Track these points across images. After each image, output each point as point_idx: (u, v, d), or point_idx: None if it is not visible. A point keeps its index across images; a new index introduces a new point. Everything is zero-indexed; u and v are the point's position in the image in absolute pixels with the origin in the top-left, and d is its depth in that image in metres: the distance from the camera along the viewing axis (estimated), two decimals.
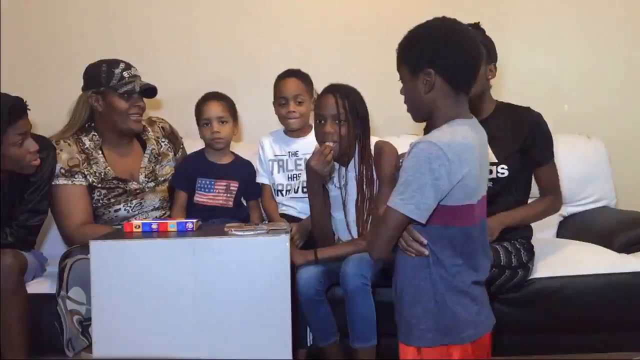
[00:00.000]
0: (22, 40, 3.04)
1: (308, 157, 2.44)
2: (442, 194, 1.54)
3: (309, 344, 2.30)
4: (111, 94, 2.39)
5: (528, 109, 2.33)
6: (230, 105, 2.58)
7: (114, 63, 2.41)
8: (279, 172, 2.63)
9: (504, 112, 2.32)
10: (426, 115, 1.70)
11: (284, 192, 2.62)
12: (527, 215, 2.29)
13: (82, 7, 3.07)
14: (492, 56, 2.30)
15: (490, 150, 2.18)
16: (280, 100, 2.61)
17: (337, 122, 2.21)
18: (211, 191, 2.54)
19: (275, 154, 2.65)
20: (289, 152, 2.64)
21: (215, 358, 1.86)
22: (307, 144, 2.56)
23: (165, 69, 3.04)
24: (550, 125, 2.68)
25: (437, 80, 1.60)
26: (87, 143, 2.44)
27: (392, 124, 2.90)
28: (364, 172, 2.26)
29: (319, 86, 2.29)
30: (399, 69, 1.70)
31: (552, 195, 2.33)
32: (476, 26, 2.23)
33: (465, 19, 2.59)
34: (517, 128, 2.27)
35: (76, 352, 2.12)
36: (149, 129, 2.61)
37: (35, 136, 2.31)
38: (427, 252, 1.58)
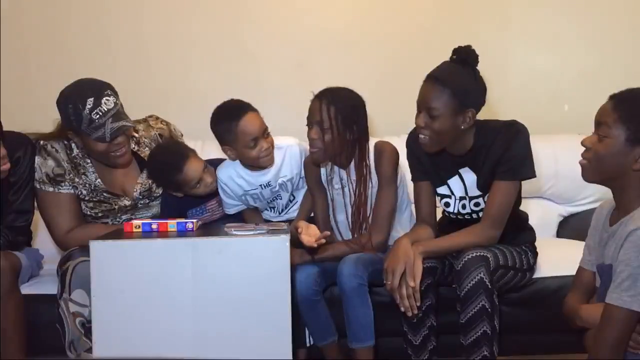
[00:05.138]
0: (22, 40, 3.04)
1: (282, 180, 2.42)
2: None
3: (308, 344, 2.30)
4: (85, 137, 2.20)
5: (509, 124, 2.10)
6: (198, 156, 2.37)
7: (81, 100, 2.13)
8: (255, 202, 2.45)
9: (486, 137, 2.10)
10: (608, 182, 1.71)
11: (268, 209, 2.53)
12: (449, 244, 2.10)
13: (82, 8, 3.06)
14: (472, 100, 2.04)
15: (475, 183, 2.15)
16: (248, 143, 2.27)
17: (320, 128, 2.19)
18: (206, 213, 2.46)
19: (245, 189, 2.40)
20: (260, 184, 2.40)
21: (215, 358, 1.86)
22: (276, 171, 2.40)
23: (165, 70, 3.04)
24: (551, 125, 2.68)
25: None
26: (75, 151, 2.33)
27: (392, 124, 2.90)
28: (361, 175, 2.26)
29: (318, 88, 2.28)
30: (607, 119, 1.67)
31: (485, 222, 2.09)
32: (466, 61, 2.04)
33: (466, 19, 2.64)
34: (497, 148, 2.08)
35: (78, 354, 2.12)
36: (145, 140, 2.43)
37: (11, 134, 2.24)
38: None
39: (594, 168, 1.72)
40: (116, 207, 2.36)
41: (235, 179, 2.40)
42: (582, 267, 1.92)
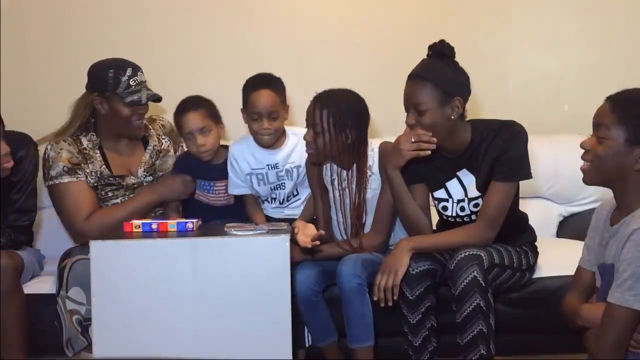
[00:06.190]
0: (22, 40, 3.04)
1: (290, 167, 2.45)
2: None
3: (307, 345, 2.30)
4: (116, 100, 2.37)
5: (508, 124, 2.11)
6: (209, 111, 2.46)
7: (121, 68, 2.38)
8: (259, 185, 2.48)
9: (482, 136, 2.12)
10: (609, 184, 1.70)
11: (269, 200, 2.54)
12: (442, 241, 2.11)
13: (82, 8, 3.06)
14: (455, 88, 2.06)
15: (474, 184, 2.16)
16: (252, 115, 2.38)
17: (314, 131, 2.21)
18: (211, 192, 2.51)
19: (252, 167, 2.46)
20: (268, 164, 2.46)
21: (215, 358, 1.86)
22: (286, 154, 2.46)
23: (165, 70, 3.04)
24: (550, 125, 2.67)
25: None
26: (85, 143, 2.43)
27: (392, 125, 2.89)
28: (358, 179, 2.26)
29: (319, 87, 2.29)
30: (606, 121, 1.66)
31: (480, 222, 2.10)
32: (442, 53, 2.09)
33: (466, 19, 2.64)
34: (495, 148, 2.09)
35: (76, 352, 2.13)
36: (150, 126, 2.59)
37: (13, 134, 2.26)
38: None
39: (595, 170, 1.71)
40: (124, 184, 2.45)
41: (245, 156, 2.45)
42: (582, 267, 1.92)
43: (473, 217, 2.19)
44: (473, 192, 2.17)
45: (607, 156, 1.67)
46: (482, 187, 2.14)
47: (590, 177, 1.75)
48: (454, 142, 2.12)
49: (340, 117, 2.20)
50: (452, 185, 2.19)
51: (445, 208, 2.23)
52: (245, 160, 2.46)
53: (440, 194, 2.22)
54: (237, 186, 2.49)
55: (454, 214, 2.22)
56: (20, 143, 2.29)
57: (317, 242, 2.15)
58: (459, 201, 2.20)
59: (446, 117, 2.06)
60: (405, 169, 2.17)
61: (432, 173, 2.21)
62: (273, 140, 2.43)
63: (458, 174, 2.17)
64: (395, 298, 2.02)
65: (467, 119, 2.16)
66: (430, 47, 2.10)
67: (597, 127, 1.71)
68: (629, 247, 1.58)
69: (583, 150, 1.76)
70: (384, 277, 2.03)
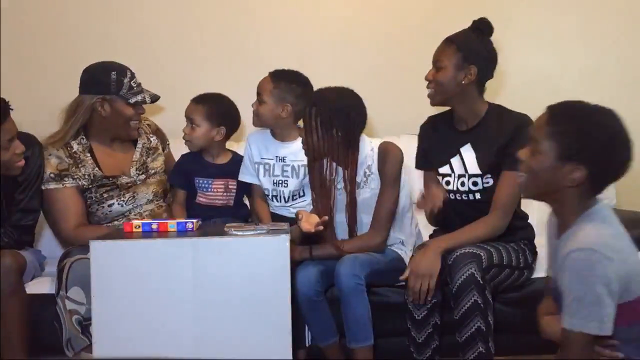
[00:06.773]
0: (22, 40, 3.04)
1: (297, 164, 2.48)
2: (617, 295, 1.49)
3: (307, 344, 2.30)
4: (119, 102, 2.41)
5: (524, 118, 2.20)
6: (209, 110, 2.50)
7: (122, 70, 2.43)
8: (264, 175, 2.53)
9: (494, 117, 2.24)
10: (541, 196, 1.67)
11: (270, 197, 2.56)
12: (467, 238, 2.13)
13: (82, 8, 3.06)
14: (475, 57, 2.21)
15: (476, 162, 2.22)
16: None
17: (305, 128, 2.24)
18: (209, 191, 2.52)
19: (262, 156, 2.54)
20: (276, 156, 2.53)
21: (215, 358, 1.87)
22: (296, 150, 2.47)
23: (165, 70, 3.04)
24: None
25: (583, 177, 1.56)
26: (75, 147, 2.43)
27: (392, 124, 2.90)
28: (347, 176, 2.27)
29: (319, 87, 2.29)
30: (538, 134, 1.61)
31: (495, 212, 2.16)
32: (478, 28, 2.27)
33: (466, 19, 2.63)
34: (502, 134, 2.19)
35: (76, 352, 2.13)
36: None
37: (20, 134, 2.28)
38: (622, 356, 1.55)
39: (529, 184, 1.65)
40: (118, 184, 2.46)
41: (258, 144, 2.54)
42: (549, 275, 1.86)
43: (470, 196, 2.23)
44: (473, 169, 2.22)
45: (538, 170, 1.61)
46: (482, 166, 2.20)
47: (526, 190, 1.69)
48: (465, 109, 2.25)
49: (326, 116, 2.20)
50: (455, 161, 2.27)
51: (448, 183, 2.29)
52: (258, 148, 2.53)
53: (445, 169, 2.29)
54: (247, 173, 2.54)
55: (455, 188, 2.26)
56: (27, 143, 2.30)
57: (321, 228, 2.17)
58: (459, 176, 2.25)
59: (458, 80, 2.19)
60: (421, 151, 2.36)
61: (439, 151, 2.30)
62: (257, 123, 2.53)
63: (461, 149, 2.25)
64: (429, 298, 2.07)
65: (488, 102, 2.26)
66: (473, 22, 2.27)
67: (531, 139, 1.65)
68: (566, 273, 1.54)
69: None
70: (419, 281, 2.05)
